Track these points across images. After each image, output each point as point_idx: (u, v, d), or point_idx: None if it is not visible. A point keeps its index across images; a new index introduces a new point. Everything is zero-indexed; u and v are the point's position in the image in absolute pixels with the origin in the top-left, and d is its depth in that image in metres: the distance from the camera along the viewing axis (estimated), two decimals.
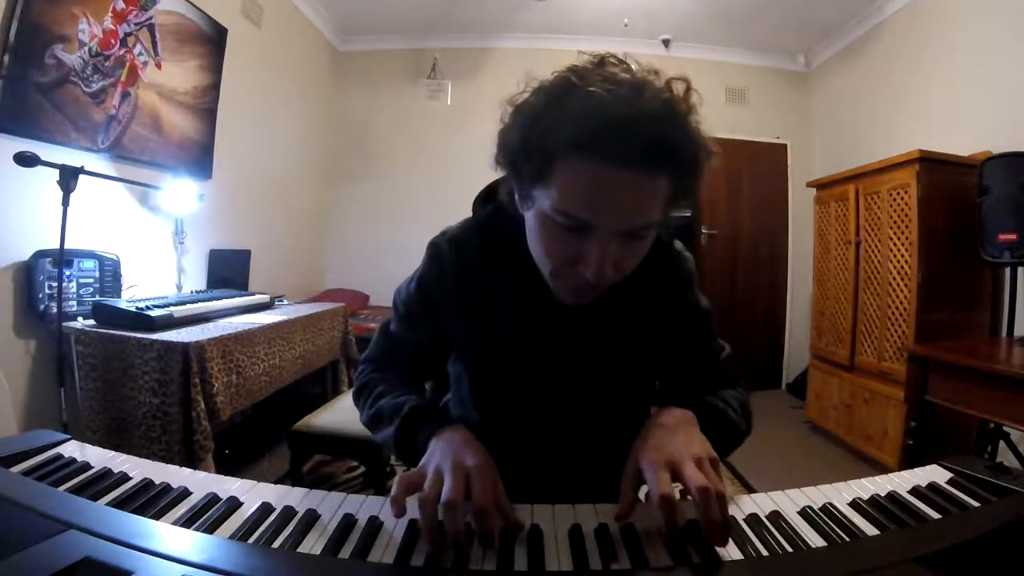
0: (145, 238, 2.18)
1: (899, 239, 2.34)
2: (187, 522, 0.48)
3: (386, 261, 3.77)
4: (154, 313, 1.61)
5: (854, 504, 0.55)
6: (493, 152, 0.59)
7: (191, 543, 0.44)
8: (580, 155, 0.49)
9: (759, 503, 0.56)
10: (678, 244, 0.76)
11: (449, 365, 0.82)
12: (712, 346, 0.78)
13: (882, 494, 0.56)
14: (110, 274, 1.85)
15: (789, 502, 0.56)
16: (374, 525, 0.50)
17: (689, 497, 0.48)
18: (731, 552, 0.47)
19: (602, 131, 0.48)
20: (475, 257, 0.70)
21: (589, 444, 0.75)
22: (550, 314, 0.67)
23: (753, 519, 0.52)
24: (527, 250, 0.63)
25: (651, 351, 0.74)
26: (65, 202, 1.50)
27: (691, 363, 0.76)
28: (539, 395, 0.73)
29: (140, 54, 2.07)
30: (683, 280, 0.74)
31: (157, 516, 0.49)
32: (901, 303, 2.33)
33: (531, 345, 0.70)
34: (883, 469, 1.38)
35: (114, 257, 1.87)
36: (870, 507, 0.54)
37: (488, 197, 0.73)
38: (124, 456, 0.62)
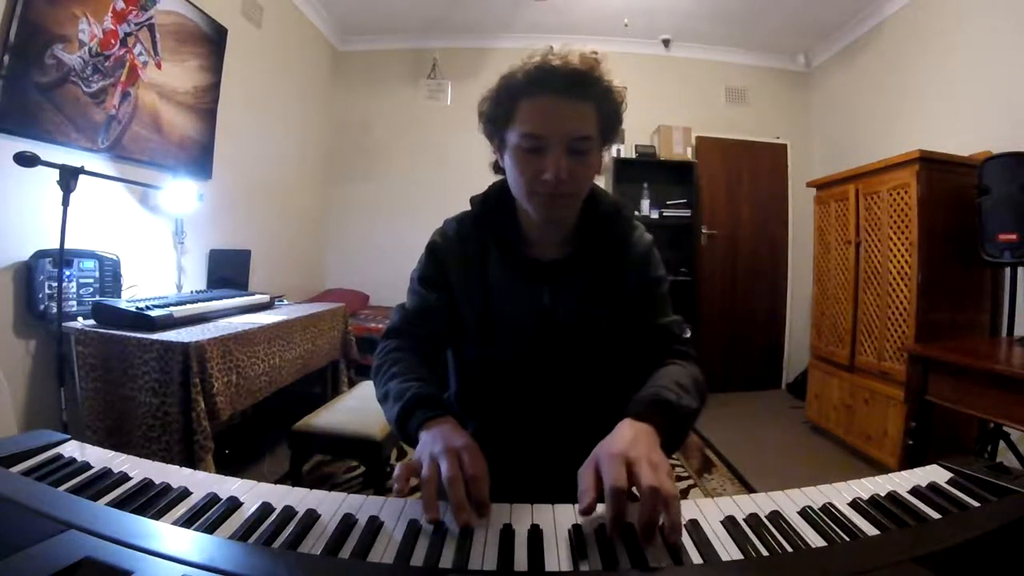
0: (145, 238, 2.18)
1: (899, 239, 2.34)
2: (187, 522, 0.48)
3: (386, 261, 3.78)
4: (154, 313, 1.61)
5: (854, 504, 0.55)
6: (477, 119, 0.83)
7: (191, 543, 0.44)
8: (532, 92, 0.74)
9: (759, 503, 0.56)
10: (638, 223, 0.92)
11: (449, 346, 0.95)
12: (661, 309, 0.88)
13: (882, 494, 0.56)
14: (110, 274, 1.85)
15: (789, 502, 0.56)
16: (374, 525, 0.50)
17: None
18: (731, 552, 0.47)
19: (544, 75, 0.73)
20: (472, 226, 0.89)
21: (571, 409, 0.87)
22: (531, 267, 0.85)
23: (753, 519, 0.52)
24: (513, 216, 0.87)
25: (615, 307, 0.86)
26: (65, 202, 1.50)
27: (646, 325, 0.86)
28: (525, 343, 0.85)
29: (140, 54, 2.07)
30: (640, 247, 0.89)
31: (157, 516, 0.49)
32: (901, 303, 2.33)
33: (516, 289, 0.85)
34: (883, 469, 1.38)
35: (114, 257, 1.87)
36: (870, 507, 0.54)
37: (482, 195, 0.92)
38: (124, 456, 0.62)
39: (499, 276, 0.86)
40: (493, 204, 0.88)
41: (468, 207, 0.93)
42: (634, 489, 0.52)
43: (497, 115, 0.79)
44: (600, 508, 0.52)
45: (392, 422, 0.72)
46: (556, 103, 0.73)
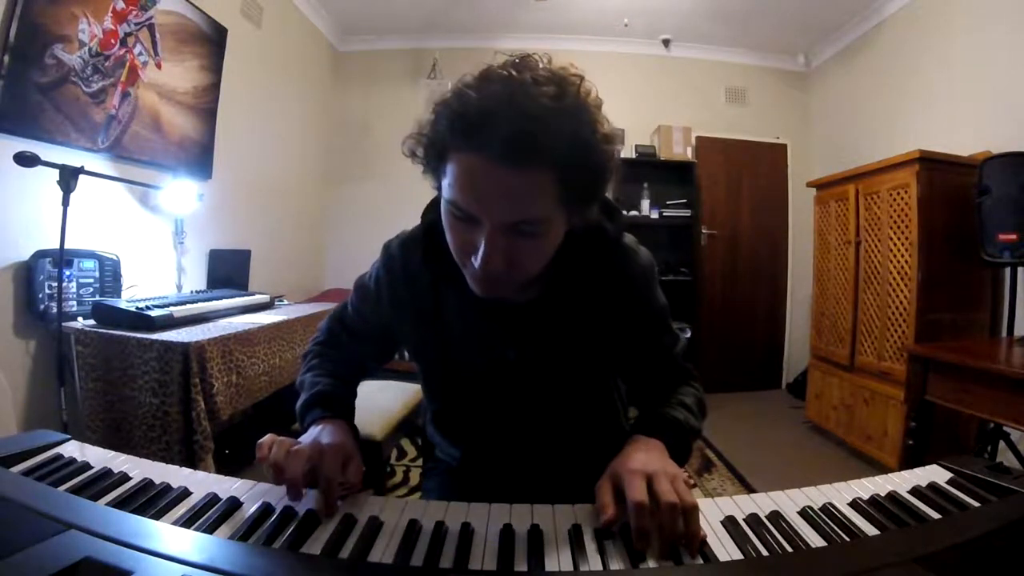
0: (145, 238, 2.17)
1: (899, 239, 2.34)
2: (187, 522, 0.49)
3: None
4: (154, 313, 1.61)
5: (854, 504, 0.55)
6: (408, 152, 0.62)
7: (191, 543, 0.44)
8: (461, 149, 0.53)
9: (759, 503, 0.56)
10: (629, 239, 0.73)
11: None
12: (666, 341, 0.77)
13: (882, 494, 0.56)
14: (110, 274, 1.84)
15: (789, 502, 0.56)
16: (374, 525, 0.51)
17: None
18: (731, 552, 0.47)
19: (476, 126, 0.51)
20: (421, 258, 0.72)
21: (554, 439, 0.80)
22: (494, 311, 0.70)
23: (753, 519, 0.52)
24: None
25: (603, 347, 0.74)
26: (65, 202, 1.50)
27: (646, 360, 0.77)
28: (493, 391, 0.76)
29: (140, 54, 2.07)
30: (633, 277, 0.72)
31: (157, 516, 0.49)
32: (901, 303, 2.33)
33: (477, 340, 0.73)
34: (883, 469, 1.38)
35: (114, 257, 1.87)
36: (870, 507, 0.54)
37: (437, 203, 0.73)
38: (124, 456, 0.62)
39: (455, 322, 0.73)
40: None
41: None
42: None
43: (425, 161, 0.60)
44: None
45: (296, 409, 0.74)
46: (492, 172, 0.51)
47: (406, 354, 0.85)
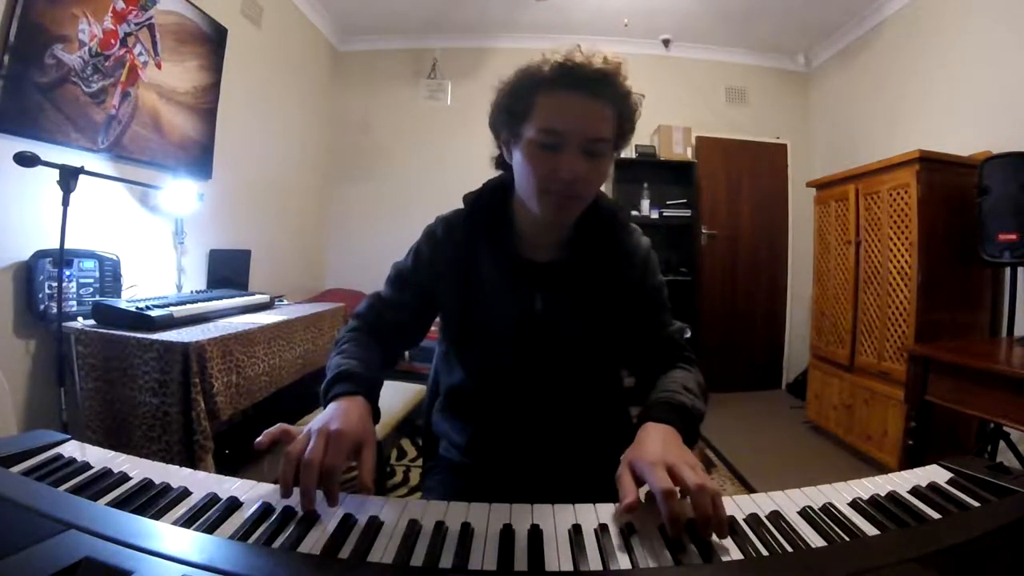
0: (145, 238, 2.17)
1: (899, 239, 2.34)
2: (187, 522, 0.48)
3: (386, 261, 3.73)
4: (154, 313, 1.61)
5: (854, 504, 0.55)
6: (489, 111, 0.81)
7: (191, 543, 0.44)
8: (553, 88, 0.72)
9: (759, 503, 0.56)
10: (636, 227, 0.90)
11: (438, 341, 0.97)
12: (666, 317, 0.88)
13: (882, 494, 0.56)
14: (110, 274, 1.85)
15: (789, 502, 0.56)
16: (374, 525, 0.51)
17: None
18: (731, 552, 0.47)
19: (569, 71, 0.71)
20: (462, 227, 0.87)
21: (562, 430, 0.86)
22: (523, 268, 0.83)
23: (753, 519, 0.52)
24: (507, 214, 0.85)
25: (613, 311, 0.85)
26: (65, 202, 1.50)
27: (646, 330, 0.86)
28: (517, 345, 0.83)
29: (140, 54, 2.07)
30: (638, 254, 0.87)
31: (157, 516, 0.49)
32: (901, 303, 2.33)
33: (509, 291, 0.83)
34: (883, 469, 1.38)
35: (114, 257, 1.87)
36: (870, 507, 0.54)
37: (476, 190, 0.89)
38: (124, 456, 0.62)
39: (490, 278, 0.84)
40: (487, 201, 0.86)
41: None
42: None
43: (514, 107, 0.76)
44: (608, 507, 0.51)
45: (320, 392, 0.73)
46: (578, 101, 0.72)
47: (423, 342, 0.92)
